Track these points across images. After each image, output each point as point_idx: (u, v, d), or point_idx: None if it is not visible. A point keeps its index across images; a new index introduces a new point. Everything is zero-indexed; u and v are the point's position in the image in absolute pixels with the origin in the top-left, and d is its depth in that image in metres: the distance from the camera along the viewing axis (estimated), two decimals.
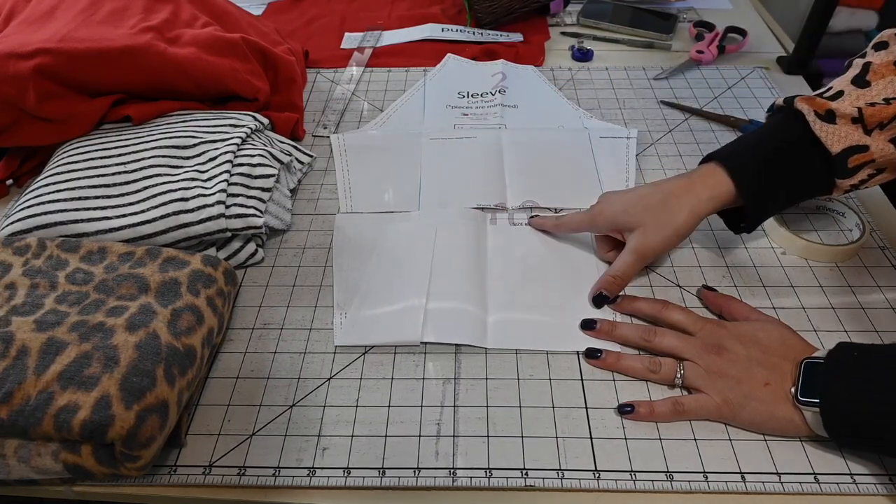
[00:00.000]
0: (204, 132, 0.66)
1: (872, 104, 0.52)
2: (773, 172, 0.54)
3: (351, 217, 0.67)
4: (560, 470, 0.46)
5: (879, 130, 0.52)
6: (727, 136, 0.77)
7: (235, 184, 0.61)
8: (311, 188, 0.72)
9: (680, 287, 0.59)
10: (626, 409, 0.49)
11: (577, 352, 0.54)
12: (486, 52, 0.94)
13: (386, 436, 0.49)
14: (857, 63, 0.56)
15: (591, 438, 0.48)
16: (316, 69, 0.92)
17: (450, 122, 0.80)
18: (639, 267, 0.57)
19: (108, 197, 0.60)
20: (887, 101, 0.52)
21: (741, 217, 0.57)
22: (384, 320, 0.56)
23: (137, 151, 0.64)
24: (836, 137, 0.52)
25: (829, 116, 0.52)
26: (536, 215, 0.65)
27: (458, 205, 0.68)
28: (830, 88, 0.55)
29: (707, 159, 0.57)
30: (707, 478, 0.45)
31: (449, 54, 0.92)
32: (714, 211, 0.56)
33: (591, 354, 0.53)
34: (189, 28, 0.76)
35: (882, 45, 0.55)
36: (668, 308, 0.55)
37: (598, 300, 0.57)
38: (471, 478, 0.46)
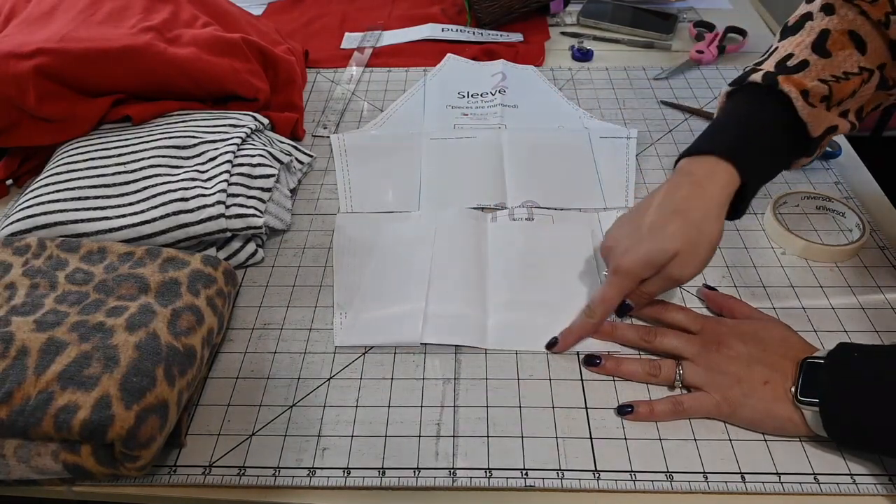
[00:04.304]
0: (204, 132, 0.66)
1: (836, 78, 0.52)
2: (769, 160, 0.54)
3: (351, 217, 0.67)
4: (560, 470, 0.46)
5: (836, 106, 0.53)
6: None
7: (235, 184, 0.61)
8: (311, 188, 0.72)
9: (680, 287, 0.59)
10: (625, 410, 0.49)
11: (578, 352, 0.54)
12: (486, 52, 0.94)
13: (386, 436, 0.49)
14: (811, 27, 0.55)
15: (591, 438, 0.48)
16: (316, 69, 0.92)
17: (450, 122, 0.80)
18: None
19: (108, 197, 0.60)
20: (847, 75, 0.52)
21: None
22: (384, 321, 0.56)
23: (137, 151, 0.64)
24: (818, 121, 0.52)
25: (805, 97, 0.52)
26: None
27: (458, 205, 0.68)
28: (791, 56, 0.53)
29: (690, 153, 0.53)
30: (707, 478, 0.45)
31: (449, 54, 0.92)
32: None
33: (590, 361, 0.53)
34: (189, 28, 0.76)
35: (829, 9, 0.54)
36: (668, 308, 0.55)
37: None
38: (471, 478, 0.46)
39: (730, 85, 0.56)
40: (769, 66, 0.54)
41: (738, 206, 0.53)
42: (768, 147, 0.53)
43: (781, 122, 0.52)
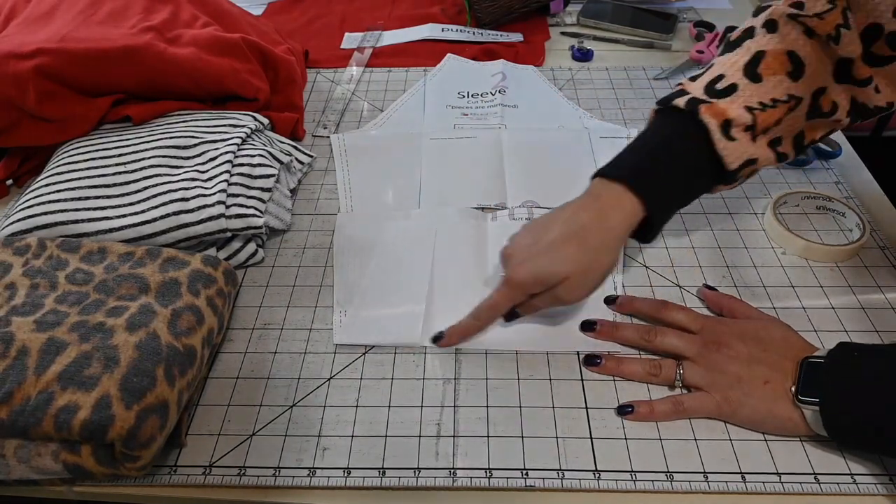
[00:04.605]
0: (204, 132, 0.66)
1: (762, 106, 0.51)
2: (677, 189, 0.53)
3: (351, 217, 0.67)
4: (560, 470, 0.46)
5: (763, 135, 0.52)
6: None
7: (235, 184, 0.61)
8: (311, 188, 0.72)
9: (680, 287, 0.59)
10: (626, 410, 0.49)
11: (578, 352, 0.54)
12: (486, 52, 0.94)
13: (386, 436, 0.49)
14: (748, 47, 0.53)
15: (591, 438, 0.48)
16: (316, 69, 0.92)
17: (450, 122, 0.80)
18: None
19: (109, 197, 0.60)
20: (774, 102, 0.51)
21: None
22: (384, 321, 0.56)
23: (137, 151, 0.64)
24: (735, 155, 0.51)
25: (727, 128, 0.51)
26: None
27: (458, 204, 0.68)
28: (722, 77, 0.52)
29: (605, 174, 0.52)
30: (707, 478, 0.45)
31: (449, 54, 0.92)
32: None
33: (590, 361, 0.53)
34: (189, 28, 0.76)
35: (771, 26, 0.53)
36: (668, 307, 0.55)
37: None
38: (471, 478, 0.46)
39: (658, 103, 0.55)
40: (699, 87, 0.53)
41: (646, 233, 0.53)
42: (682, 179, 0.53)
43: (700, 150, 0.52)
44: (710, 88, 0.52)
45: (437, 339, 0.54)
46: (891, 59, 0.52)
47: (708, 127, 0.50)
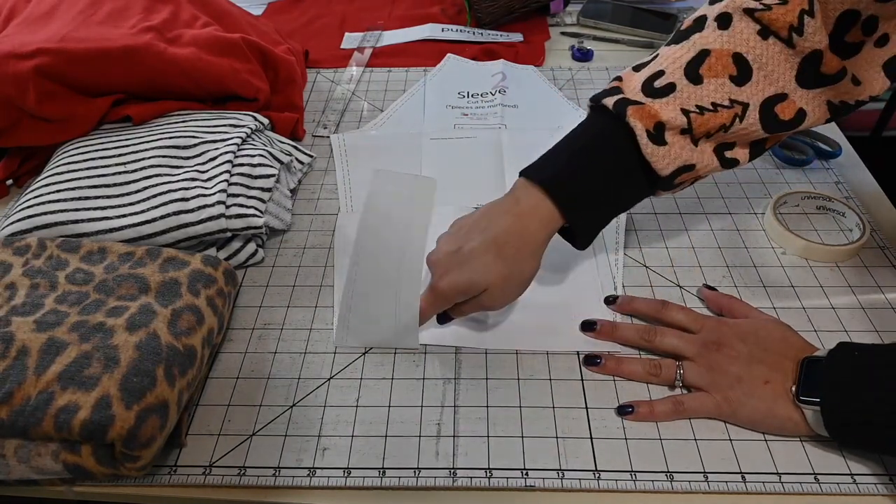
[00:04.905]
0: (204, 132, 0.66)
1: (700, 109, 0.48)
2: (602, 196, 0.51)
3: (352, 217, 0.67)
4: (560, 470, 0.46)
5: (706, 139, 0.50)
6: None
7: (235, 184, 0.61)
8: (311, 188, 0.72)
9: (680, 287, 0.59)
10: (626, 410, 0.49)
11: (578, 352, 0.54)
12: (486, 52, 0.94)
13: (386, 436, 0.49)
14: (694, 42, 0.49)
15: (591, 438, 0.48)
16: (316, 69, 0.92)
17: (450, 122, 0.80)
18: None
19: (109, 197, 0.60)
20: (715, 106, 0.48)
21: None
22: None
23: (137, 151, 0.64)
24: (666, 160, 0.49)
25: (659, 131, 0.48)
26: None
27: (458, 204, 0.67)
28: (662, 74, 0.49)
29: (528, 175, 0.51)
30: (707, 478, 0.45)
31: (449, 54, 0.92)
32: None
33: (590, 361, 0.53)
34: (189, 28, 0.76)
35: (724, 21, 0.49)
36: (668, 307, 0.55)
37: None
38: (471, 478, 0.46)
39: (591, 99, 0.52)
40: (636, 84, 0.50)
41: (575, 239, 0.52)
42: (608, 185, 0.50)
43: (629, 155, 0.49)
44: (647, 86, 0.49)
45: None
46: (861, 45, 0.48)
47: (634, 131, 0.48)
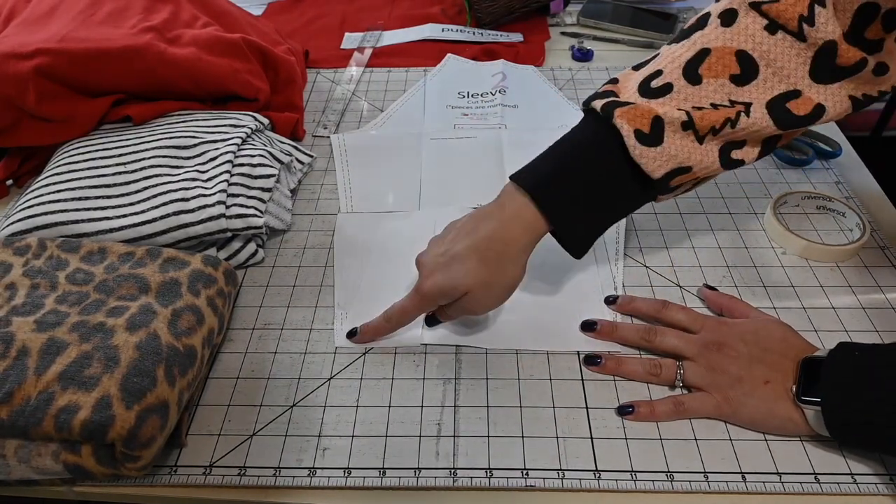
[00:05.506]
0: (204, 132, 0.66)
1: (699, 108, 0.46)
2: (591, 202, 0.49)
3: (352, 217, 0.67)
4: (560, 470, 0.46)
5: (713, 136, 0.48)
6: None
7: (236, 184, 0.61)
8: (311, 188, 0.72)
9: (680, 287, 0.59)
10: (626, 410, 0.49)
11: (578, 352, 0.54)
12: (486, 52, 0.94)
13: (386, 436, 0.49)
14: (695, 40, 0.48)
15: (591, 438, 0.48)
16: (316, 69, 0.92)
17: (450, 122, 0.80)
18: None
19: (109, 197, 0.60)
20: (714, 106, 0.47)
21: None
22: None
23: (137, 151, 0.64)
24: (657, 162, 0.47)
25: (655, 128, 0.46)
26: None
27: (458, 204, 0.67)
28: (660, 74, 0.48)
29: (516, 179, 0.50)
30: (707, 478, 0.45)
31: (449, 54, 0.92)
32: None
33: (591, 361, 0.53)
34: (189, 28, 0.76)
35: (729, 17, 0.47)
36: (669, 307, 0.55)
37: None
38: (471, 478, 0.46)
39: (583, 103, 0.51)
40: (632, 85, 0.49)
41: (566, 247, 0.51)
42: (598, 192, 0.49)
43: (619, 159, 0.48)
44: (643, 86, 0.48)
45: (351, 334, 0.55)
46: (881, 42, 0.45)
47: (621, 132, 0.47)
